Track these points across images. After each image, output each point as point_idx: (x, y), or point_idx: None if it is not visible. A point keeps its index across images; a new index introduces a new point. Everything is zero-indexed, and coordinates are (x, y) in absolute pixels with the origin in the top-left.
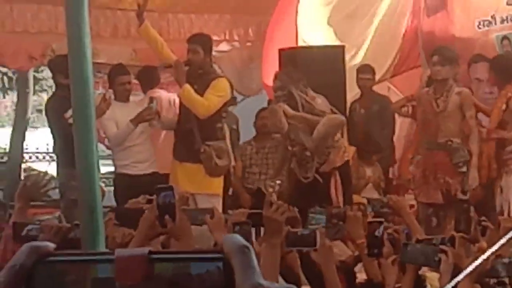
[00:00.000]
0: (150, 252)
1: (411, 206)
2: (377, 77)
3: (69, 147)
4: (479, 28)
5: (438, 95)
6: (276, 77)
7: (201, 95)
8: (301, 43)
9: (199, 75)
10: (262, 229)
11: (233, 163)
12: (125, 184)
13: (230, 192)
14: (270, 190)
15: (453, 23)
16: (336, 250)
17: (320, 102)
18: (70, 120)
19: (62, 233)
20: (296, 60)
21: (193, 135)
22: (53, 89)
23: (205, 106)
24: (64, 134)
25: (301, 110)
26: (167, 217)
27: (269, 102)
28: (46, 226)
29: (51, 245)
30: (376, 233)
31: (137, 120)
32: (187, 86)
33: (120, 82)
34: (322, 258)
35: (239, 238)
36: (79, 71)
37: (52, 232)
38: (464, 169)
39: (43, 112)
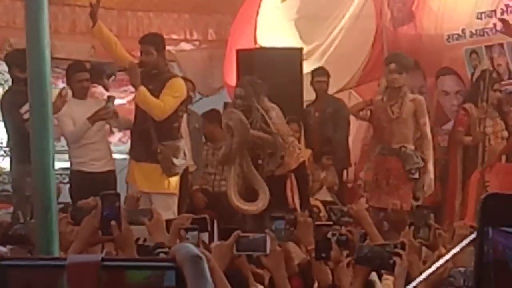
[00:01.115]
0: (103, 259)
1: (367, 209)
2: (341, 84)
3: (23, 142)
4: (449, 41)
5: (392, 102)
6: (239, 84)
7: (157, 95)
8: (260, 44)
9: (153, 75)
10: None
11: (190, 162)
12: (81, 181)
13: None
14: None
15: (420, 35)
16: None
17: (275, 115)
18: (26, 115)
19: (3, 229)
20: (254, 61)
21: (149, 135)
22: (9, 84)
23: (161, 108)
24: (19, 129)
25: (254, 123)
26: (113, 223)
27: (225, 104)
28: None
29: (3, 249)
30: (328, 235)
31: (94, 119)
32: (142, 89)
33: (78, 79)
34: (273, 263)
35: (191, 247)
36: (37, 67)
37: None
38: (416, 175)
39: None
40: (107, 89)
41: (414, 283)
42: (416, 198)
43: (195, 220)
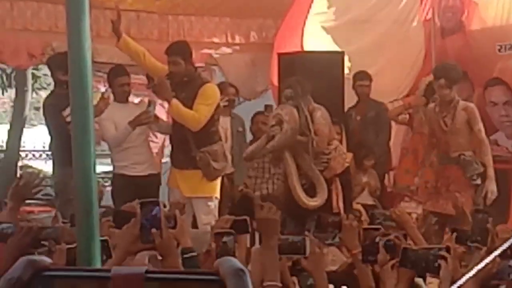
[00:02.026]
0: (147, 271)
1: (408, 214)
2: (394, 96)
3: (65, 145)
4: (500, 51)
5: (444, 114)
6: (287, 84)
7: (191, 102)
8: (306, 48)
9: (184, 83)
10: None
11: (230, 164)
12: (123, 185)
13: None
14: (257, 193)
15: (470, 45)
16: (331, 256)
17: (319, 116)
18: (68, 118)
19: (33, 234)
20: (295, 65)
21: (188, 143)
22: (52, 87)
23: (196, 119)
24: (61, 132)
25: (299, 124)
26: (154, 230)
27: (266, 106)
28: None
29: (48, 260)
30: (376, 240)
31: (135, 123)
32: (175, 102)
33: (119, 83)
34: (312, 266)
35: (234, 261)
36: (78, 71)
37: (22, 233)
38: (478, 181)
39: (41, 110)
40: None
41: (460, 282)
42: (476, 204)
43: (235, 222)
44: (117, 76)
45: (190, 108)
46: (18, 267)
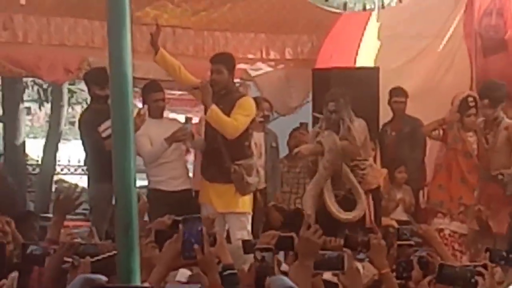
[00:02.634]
0: None
1: (441, 230)
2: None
3: (101, 160)
4: None
5: (487, 131)
6: (330, 98)
7: (228, 115)
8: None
9: (222, 95)
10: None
11: (262, 179)
12: (159, 200)
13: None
14: (309, 212)
15: None
16: (364, 270)
17: (357, 125)
18: (104, 133)
19: (74, 249)
20: (330, 81)
21: (221, 155)
22: (87, 102)
23: (234, 126)
24: (97, 147)
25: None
26: (196, 246)
27: (301, 124)
28: (61, 243)
29: (103, 278)
30: (411, 257)
31: (171, 140)
32: (215, 107)
33: (154, 99)
34: (349, 281)
35: (286, 280)
36: (119, 87)
37: (64, 248)
38: None
39: (76, 125)
40: None
41: None
42: None
43: (281, 238)
44: (151, 91)
45: None
46: (75, 285)
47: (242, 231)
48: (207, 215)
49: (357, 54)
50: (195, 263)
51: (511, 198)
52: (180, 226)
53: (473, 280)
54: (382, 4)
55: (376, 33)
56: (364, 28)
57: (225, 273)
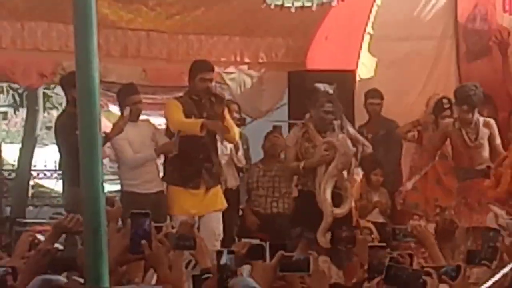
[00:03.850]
0: None
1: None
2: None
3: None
4: None
5: (468, 130)
6: (328, 99)
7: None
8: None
9: (211, 103)
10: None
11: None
12: (133, 202)
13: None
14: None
15: (496, 71)
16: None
17: (351, 130)
18: None
19: (51, 255)
20: (305, 83)
21: (191, 159)
22: (63, 107)
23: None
24: (72, 151)
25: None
26: (144, 242)
27: (274, 127)
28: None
29: (63, 279)
30: (382, 258)
31: (160, 151)
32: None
33: (133, 101)
34: (315, 284)
35: (249, 281)
36: (86, 90)
37: (40, 254)
38: None
39: (52, 129)
40: None
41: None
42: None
43: (251, 247)
44: (129, 94)
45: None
46: (34, 286)
47: (214, 235)
48: (186, 219)
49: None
50: (143, 258)
51: (495, 191)
52: (128, 221)
53: (421, 281)
54: None
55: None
56: (364, 29)
57: (203, 276)
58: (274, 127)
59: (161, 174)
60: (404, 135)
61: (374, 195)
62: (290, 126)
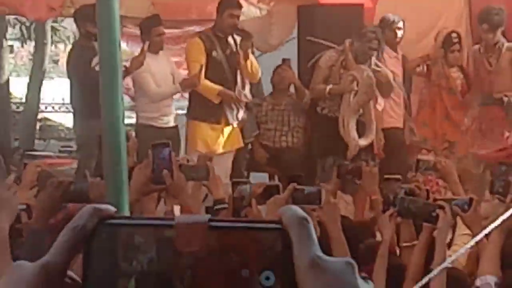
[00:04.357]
0: (210, 220)
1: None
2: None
3: (90, 96)
4: None
5: (489, 54)
6: (375, 37)
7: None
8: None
9: (235, 41)
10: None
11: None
12: (150, 136)
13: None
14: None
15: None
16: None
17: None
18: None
19: (63, 187)
20: (314, 17)
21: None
22: (70, 40)
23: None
24: (87, 84)
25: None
26: (165, 172)
27: (284, 60)
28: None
29: (112, 208)
30: (397, 190)
31: (185, 85)
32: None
33: (157, 33)
34: (327, 216)
35: (298, 210)
36: (106, 21)
37: (53, 187)
38: None
39: (60, 63)
40: None
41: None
42: None
43: (268, 187)
44: (154, 25)
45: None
46: (83, 215)
47: (224, 168)
48: (203, 153)
49: None
50: (165, 188)
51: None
52: (149, 152)
53: (434, 214)
54: None
55: None
56: None
57: (216, 207)
58: (283, 60)
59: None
60: (413, 70)
61: None
62: (299, 60)
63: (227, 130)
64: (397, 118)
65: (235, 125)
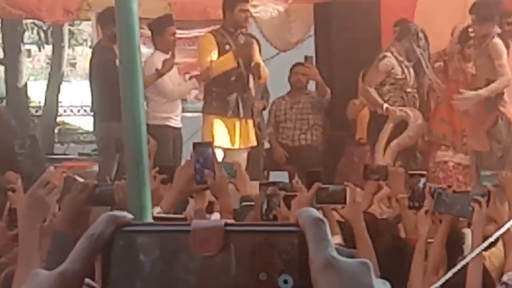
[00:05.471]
0: (226, 224)
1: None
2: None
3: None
4: None
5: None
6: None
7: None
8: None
9: (237, 35)
10: None
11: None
12: (168, 137)
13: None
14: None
15: None
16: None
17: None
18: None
19: (88, 190)
20: (331, 14)
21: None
22: (88, 43)
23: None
24: (110, 85)
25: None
26: (207, 172)
27: (306, 58)
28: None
29: (129, 215)
30: (421, 185)
31: (201, 78)
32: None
33: (171, 32)
34: (351, 215)
35: (314, 212)
36: (125, 23)
37: (78, 189)
38: None
39: (78, 66)
40: None
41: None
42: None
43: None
44: (167, 25)
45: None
46: (100, 223)
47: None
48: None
49: None
50: (207, 188)
51: None
52: (191, 151)
53: (470, 208)
54: None
55: None
56: None
57: (242, 204)
58: (306, 57)
59: None
60: (431, 66)
61: None
62: (317, 58)
63: (242, 126)
64: None
65: (250, 121)
